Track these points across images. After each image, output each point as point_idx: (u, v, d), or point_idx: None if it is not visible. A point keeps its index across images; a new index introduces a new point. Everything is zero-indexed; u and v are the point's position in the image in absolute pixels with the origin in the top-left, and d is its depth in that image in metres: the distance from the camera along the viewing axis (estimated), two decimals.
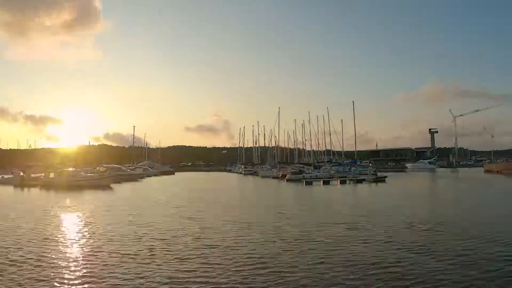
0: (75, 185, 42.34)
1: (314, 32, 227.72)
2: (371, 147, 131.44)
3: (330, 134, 72.87)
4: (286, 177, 52.36)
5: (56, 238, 12.91)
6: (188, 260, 9.65)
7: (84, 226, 15.61)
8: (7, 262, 9.74)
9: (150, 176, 71.77)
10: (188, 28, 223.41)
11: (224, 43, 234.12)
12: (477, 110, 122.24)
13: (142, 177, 65.33)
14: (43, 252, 10.72)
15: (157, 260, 9.71)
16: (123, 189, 39.95)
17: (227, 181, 58.29)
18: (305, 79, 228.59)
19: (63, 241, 12.44)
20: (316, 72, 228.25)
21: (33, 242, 12.19)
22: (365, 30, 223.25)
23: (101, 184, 43.46)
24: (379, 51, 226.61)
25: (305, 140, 77.77)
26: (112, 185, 43.60)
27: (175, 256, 10.08)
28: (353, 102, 60.08)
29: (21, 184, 46.40)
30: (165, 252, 10.56)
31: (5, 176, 56.57)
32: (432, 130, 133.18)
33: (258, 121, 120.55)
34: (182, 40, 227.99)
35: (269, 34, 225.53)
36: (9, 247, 11.44)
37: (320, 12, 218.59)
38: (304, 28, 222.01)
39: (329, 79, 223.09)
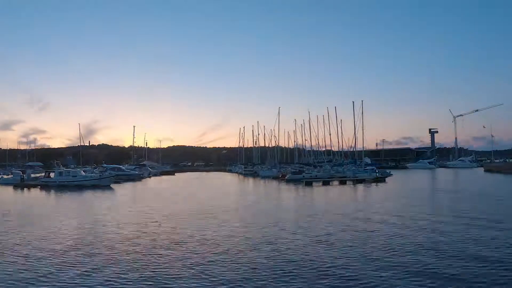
0: (75, 185, 42.35)
1: (314, 31, 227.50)
2: (371, 147, 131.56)
3: (330, 134, 72.86)
4: (286, 177, 52.09)
5: None
6: None
7: None
8: None
9: (150, 177, 71.64)
10: (188, 28, 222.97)
11: (223, 43, 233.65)
12: (477, 110, 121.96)
13: (142, 177, 65.26)
14: None
15: None
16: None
17: (224, 183, 58.09)
18: (305, 79, 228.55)
19: None
20: (316, 71, 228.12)
21: None
22: (366, 29, 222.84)
23: (101, 184, 43.46)
24: (380, 51, 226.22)
25: (305, 140, 77.72)
26: (112, 185, 43.61)
27: None
28: (353, 102, 59.62)
29: (22, 184, 46.32)
30: None
31: (5, 177, 56.55)
32: (432, 130, 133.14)
33: (258, 121, 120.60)
34: (180, 39, 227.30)
35: (269, 34, 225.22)
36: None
37: (321, 12, 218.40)
38: (304, 27, 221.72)
39: (330, 78, 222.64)
